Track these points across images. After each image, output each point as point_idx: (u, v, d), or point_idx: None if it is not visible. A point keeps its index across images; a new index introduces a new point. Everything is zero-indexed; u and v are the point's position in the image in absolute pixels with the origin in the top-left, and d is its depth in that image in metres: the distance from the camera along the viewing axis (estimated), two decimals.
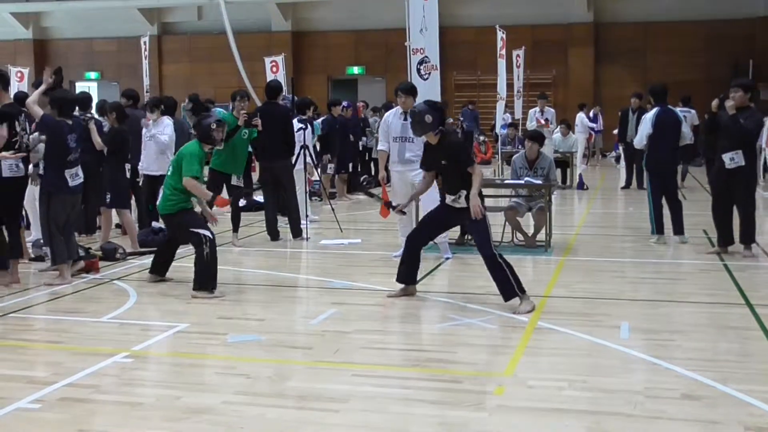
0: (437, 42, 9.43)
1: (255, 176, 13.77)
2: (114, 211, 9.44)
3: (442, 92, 10.33)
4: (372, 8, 26.14)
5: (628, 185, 15.92)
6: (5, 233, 7.50)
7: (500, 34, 17.11)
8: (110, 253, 8.65)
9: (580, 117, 20.11)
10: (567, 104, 24.26)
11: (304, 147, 10.62)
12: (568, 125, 17.04)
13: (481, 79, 25.05)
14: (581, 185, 15.96)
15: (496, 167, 18.62)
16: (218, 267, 7.09)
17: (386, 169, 8.92)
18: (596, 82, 25.51)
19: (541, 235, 9.27)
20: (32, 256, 8.66)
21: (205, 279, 6.98)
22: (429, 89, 8.90)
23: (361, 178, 16.15)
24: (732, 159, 8.39)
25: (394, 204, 7.30)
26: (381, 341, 5.75)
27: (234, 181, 9.49)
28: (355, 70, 27.62)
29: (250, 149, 10.42)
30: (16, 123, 7.38)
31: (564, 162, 16.32)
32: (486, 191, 8.11)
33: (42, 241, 8.41)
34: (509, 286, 6.34)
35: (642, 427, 4.07)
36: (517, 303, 6.36)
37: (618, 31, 25.25)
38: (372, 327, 6.09)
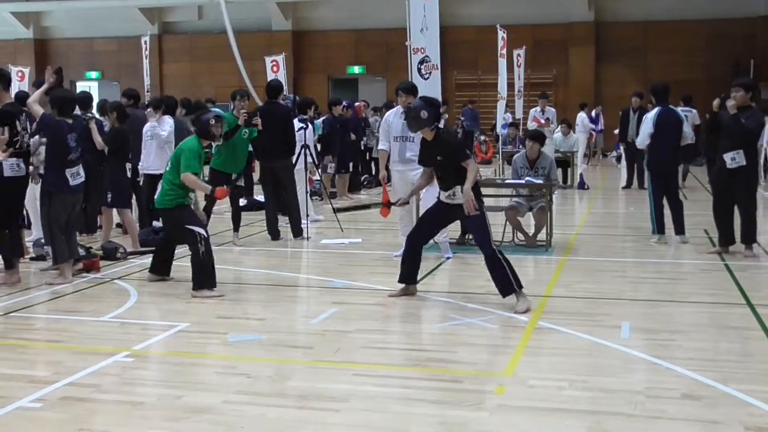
0: (438, 41, 9.43)
1: (256, 176, 13.76)
2: (115, 210, 9.44)
3: (443, 92, 10.34)
4: (372, 7, 26.14)
5: (629, 185, 15.92)
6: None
7: (501, 34, 17.11)
8: (111, 253, 8.65)
9: (581, 117, 20.10)
10: (568, 104, 24.27)
11: (305, 146, 10.62)
12: (568, 125, 17.03)
13: (481, 79, 25.05)
14: (582, 185, 15.96)
15: (497, 167, 18.63)
16: (219, 267, 7.09)
17: (387, 168, 8.92)
18: (597, 81, 25.51)
19: (542, 235, 9.27)
20: (33, 255, 8.67)
21: (204, 278, 6.98)
22: (430, 89, 8.90)
23: (362, 178, 16.15)
24: (733, 159, 8.38)
25: (393, 201, 7.30)
26: (381, 341, 5.75)
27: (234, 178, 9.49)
28: (356, 69, 27.62)
29: (250, 149, 10.43)
30: (17, 122, 7.39)
31: (565, 162, 16.32)
32: (487, 191, 8.12)
33: (43, 240, 8.41)
34: (508, 283, 6.36)
35: (642, 427, 4.07)
36: (514, 301, 6.37)
37: (619, 30, 25.25)
38: (372, 326, 6.09)
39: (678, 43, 24.30)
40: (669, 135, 9.36)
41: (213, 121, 7.28)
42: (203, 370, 5.16)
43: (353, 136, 15.18)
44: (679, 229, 9.54)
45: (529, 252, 9.01)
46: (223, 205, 11.29)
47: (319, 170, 12.73)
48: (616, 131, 18.47)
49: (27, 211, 9.08)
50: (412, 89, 8.37)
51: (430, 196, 7.29)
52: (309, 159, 10.85)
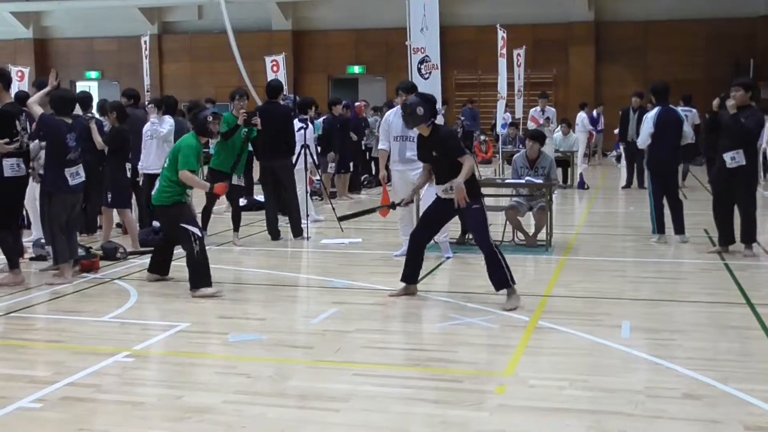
0: (438, 41, 9.43)
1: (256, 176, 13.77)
2: (115, 210, 9.44)
3: (443, 91, 10.34)
4: (372, 7, 26.14)
5: (628, 185, 15.92)
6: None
7: (501, 34, 17.11)
8: (111, 253, 8.66)
9: (581, 116, 20.10)
10: (568, 103, 24.27)
11: (305, 146, 10.62)
12: (568, 124, 17.03)
13: (481, 79, 25.05)
14: (582, 184, 15.96)
15: (497, 166, 18.63)
16: (219, 266, 7.09)
17: (387, 168, 8.92)
18: (597, 81, 25.51)
19: (542, 235, 9.27)
20: (33, 255, 8.67)
21: (200, 277, 6.98)
22: (430, 88, 8.88)
23: (362, 178, 16.15)
24: (733, 158, 8.38)
25: (396, 201, 7.31)
26: (382, 341, 5.75)
27: (234, 180, 9.49)
28: (356, 69, 27.62)
29: (250, 148, 10.43)
30: (17, 122, 7.39)
31: (565, 161, 16.32)
32: (487, 190, 8.12)
33: (43, 240, 8.42)
34: (503, 276, 6.44)
35: (643, 426, 4.07)
36: (504, 298, 6.44)
37: (619, 30, 25.25)
38: (373, 326, 6.09)
39: (678, 43, 24.30)
40: (669, 134, 9.36)
41: (210, 118, 7.29)
42: (203, 370, 5.16)
43: (354, 137, 15.19)
44: (679, 229, 9.54)
45: (529, 252, 9.01)
46: (222, 205, 11.31)
47: (320, 170, 12.73)
48: (616, 131, 18.48)
49: (27, 211, 9.09)
50: (412, 89, 8.36)
51: (430, 195, 7.30)
52: (309, 159, 10.85)
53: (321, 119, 14.33)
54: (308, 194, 10.86)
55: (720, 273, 7.85)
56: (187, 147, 7.16)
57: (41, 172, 8.01)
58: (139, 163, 10.04)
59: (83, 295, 7.14)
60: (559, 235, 9.88)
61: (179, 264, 7.73)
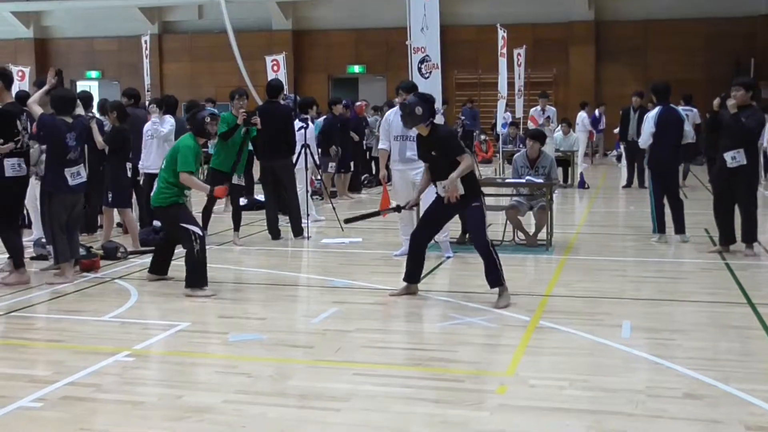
0: (438, 41, 9.42)
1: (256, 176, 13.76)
2: (115, 210, 9.44)
3: (443, 91, 10.33)
4: (373, 7, 26.13)
5: (629, 184, 15.92)
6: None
7: (501, 33, 17.11)
8: (111, 252, 8.65)
9: (582, 116, 20.10)
10: (568, 103, 24.26)
11: (305, 146, 10.61)
12: (569, 124, 17.03)
13: (482, 78, 25.04)
14: (582, 184, 15.96)
15: (498, 166, 18.62)
16: (219, 266, 7.08)
17: (387, 167, 8.91)
18: (597, 80, 25.50)
19: (543, 234, 9.26)
20: (33, 254, 8.66)
21: (197, 277, 6.98)
22: (430, 88, 8.88)
23: (362, 177, 16.14)
24: (733, 158, 8.38)
25: (402, 205, 7.32)
26: (382, 340, 5.74)
27: (235, 180, 9.49)
28: (356, 68, 27.61)
29: (250, 148, 10.42)
30: (18, 122, 7.39)
31: (565, 161, 16.32)
32: (487, 190, 8.11)
33: (43, 240, 8.42)
34: (497, 274, 6.48)
35: (643, 426, 4.06)
36: (496, 297, 6.48)
37: (619, 29, 25.24)
38: (373, 326, 6.09)
39: (678, 42, 24.29)
40: (670, 134, 9.35)
41: (208, 119, 7.29)
42: (204, 369, 5.16)
43: (356, 137, 15.19)
44: (680, 228, 9.53)
45: (529, 251, 9.01)
46: (221, 205, 11.31)
47: (320, 170, 12.73)
48: (616, 130, 18.48)
49: (27, 210, 9.09)
50: (412, 88, 8.35)
51: (430, 195, 7.30)
52: (310, 159, 10.84)
53: (321, 119, 14.32)
54: (309, 194, 10.85)
55: (721, 272, 7.85)
56: (185, 148, 7.15)
57: (41, 173, 8.02)
58: (140, 163, 10.04)
59: (84, 295, 7.14)
60: (560, 234, 9.88)
61: (179, 264, 7.73)
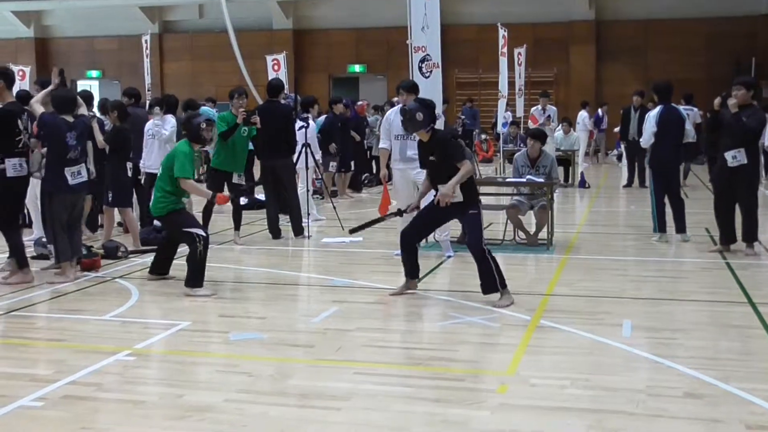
0: (439, 40, 9.42)
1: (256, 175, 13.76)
2: (116, 209, 9.44)
3: (444, 90, 10.32)
4: (373, 6, 26.13)
5: (629, 183, 15.91)
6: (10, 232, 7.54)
7: (502, 32, 17.12)
8: (112, 252, 8.66)
9: (582, 115, 20.11)
10: (568, 102, 24.25)
11: (306, 145, 10.61)
12: (569, 123, 17.03)
13: (482, 77, 25.03)
14: (583, 183, 15.95)
15: (498, 165, 18.62)
16: (220, 265, 7.08)
17: (388, 167, 8.91)
18: (597, 80, 25.49)
19: (543, 234, 9.26)
20: (34, 254, 8.67)
21: (197, 277, 6.98)
22: (430, 87, 8.89)
23: (363, 177, 16.14)
24: (734, 157, 8.38)
25: (402, 209, 7.32)
26: (382, 339, 5.74)
27: (235, 179, 9.50)
28: (357, 68, 27.59)
29: (251, 147, 10.41)
30: (19, 122, 7.40)
31: (566, 160, 16.32)
32: (488, 189, 8.13)
33: (44, 239, 8.43)
34: (491, 281, 6.49)
35: (644, 425, 4.06)
36: (496, 297, 6.48)
37: (619, 28, 25.22)
38: (373, 325, 6.09)
39: (679, 42, 24.27)
40: (672, 133, 9.35)
41: (204, 125, 7.27)
42: (204, 368, 5.16)
43: (357, 137, 15.18)
44: (681, 228, 9.53)
45: (530, 251, 9.01)
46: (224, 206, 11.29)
47: (320, 169, 12.72)
48: (617, 129, 18.48)
49: (27, 209, 9.09)
50: (413, 87, 8.37)
51: (430, 196, 7.30)
52: (316, 157, 10.85)
53: (321, 118, 14.31)
54: (310, 193, 10.86)
55: (721, 272, 7.85)
56: (182, 155, 7.13)
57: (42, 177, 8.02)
58: (141, 162, 10.04)
59: (84, 294, 7.14)
60: (560, 234, 9.88)
61: (180, 263, 7.73)
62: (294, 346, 5.59)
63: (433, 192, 6.89)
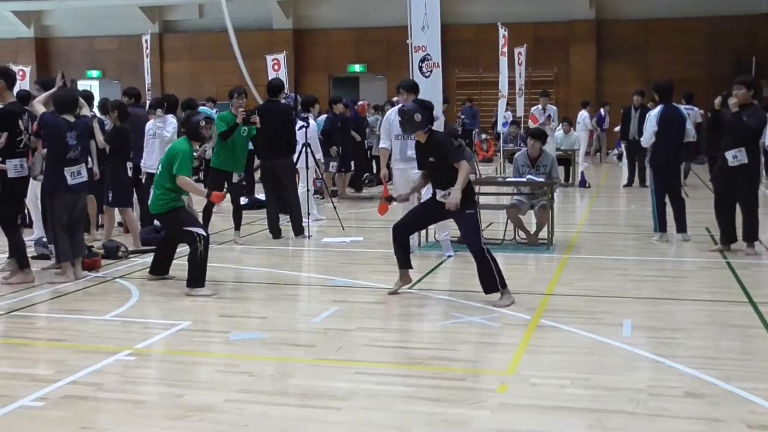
0: (439, 39, 9.42)
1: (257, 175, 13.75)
2: (116, 209, 9.44)
3: (444, 90, 10.32)
4: (373, 6, 26.12)
5: (630, 183, 15.91)
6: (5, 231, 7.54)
7: (502, 32, 17.11)
8: (112, 252, 8.66)
9: (583, 115, 20.11)
10: (569, 102, 24.24)
11: (306, 145, 10.61)
12: (570, 123, 17.03)
13: (482, 77, 25.02)
14: (583, 183, 15.95)
15: (498, 165, 18.62)
16: (220, 265, 7.08)
17: (388, 166, 8.91)
18: (598, 79, 25.47)
19: (543, 233, 9.26)
20: (35, 254, 8.67)
21: (198, 277, 6.98)
22: (431, 87, 8.89)
23: (363, 176, 16.13)
24: (735, 156, 8.38)
25: (394, 196, 7.33)
26: (383, 339, 5.75)
27: (235, 178, 9.50)
28: (357, 68, 27.59)
29: (251, 147, 10.41)
30: (20, 122, 7.40)
31: (566, 160, 16.32)
32: (488, 189, 8.13)
33: (45, 239, 8.43)
34: (492, 280, 6.48)
35: (644, 425, 4.06)
36: (496, 297, 6.48)
37: (620, 28, 25.21)
38: (374, 325, 6.09)
39: (679, 41, 24.26)
40: (672, 132, 9.35)
41: (203, 123, 7.29)
42: (205, 368, 5.16)
43: (358, 137, 15.17)
44: (681, 227, 9.53)
45: (530, 250, 9.01)
46: (223, 205, 11.29)
47: (321, 169, 12.72)
48: (617, 129, 18.47)
49: (28, 209, 9.09)
50: (413, 87, 8.37)
51: (429, 194, 7.32)
52: (317, 157, 10.85)
53: (322, 117, 14.31)
54: (310, 192, 10.86)
55: (722, 271, 7.85)
56: (182, 152, 7.14)
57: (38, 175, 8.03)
58: (142, 162, 10.04)
59: (85, 294, 7.14)
60: (561, 233, 9.88)
61: (180, 263, 7.73)
62: (294, 345, 5.59)
63: (430, 188, 6.91)
